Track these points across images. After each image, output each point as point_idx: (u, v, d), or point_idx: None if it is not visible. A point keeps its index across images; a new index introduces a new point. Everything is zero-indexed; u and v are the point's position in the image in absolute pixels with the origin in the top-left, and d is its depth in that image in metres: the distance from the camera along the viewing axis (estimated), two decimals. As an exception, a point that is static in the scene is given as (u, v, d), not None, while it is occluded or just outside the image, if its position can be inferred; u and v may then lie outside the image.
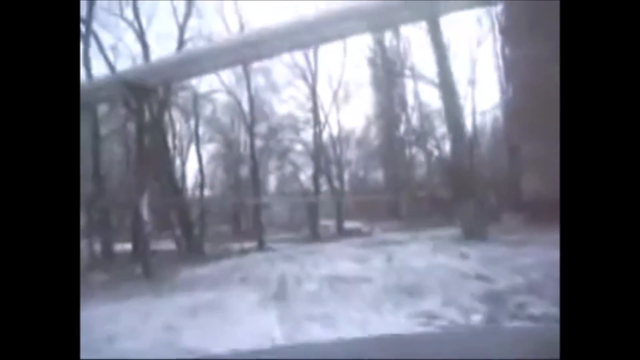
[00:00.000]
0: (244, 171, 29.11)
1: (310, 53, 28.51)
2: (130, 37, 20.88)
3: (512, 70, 21.93)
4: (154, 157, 17.83)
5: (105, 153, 24.18)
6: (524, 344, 1.86)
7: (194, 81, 23.76)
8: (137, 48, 20.42)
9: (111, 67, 18.71)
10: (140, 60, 19.37)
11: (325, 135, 30.12)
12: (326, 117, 29.98)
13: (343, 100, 31.47)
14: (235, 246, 21.86)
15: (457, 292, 7.26)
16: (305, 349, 2.22)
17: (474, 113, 29.70)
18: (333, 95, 30.45)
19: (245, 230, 27.75)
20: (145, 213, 11.42)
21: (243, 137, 29.28)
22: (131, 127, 19.22)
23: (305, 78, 29.14)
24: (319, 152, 29.26)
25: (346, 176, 32.70)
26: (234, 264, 14.45)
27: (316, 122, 29.28)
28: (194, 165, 26.26)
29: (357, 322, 6.09)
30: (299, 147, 30.53)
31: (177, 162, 25.39)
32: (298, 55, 28.40)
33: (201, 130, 27.30)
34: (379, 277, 9.71)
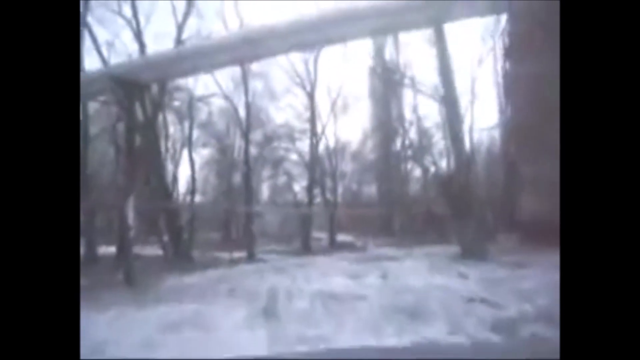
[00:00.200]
0: (237, 178, 28.56)
1: (310, 61, 28.29)
2: (127, 35, 20.46)
3: (512, 88, 21.52)
4: (144, 159, 17.25)
5: (96, 152, 23.63)
6: None
7: (190, 83, 23.36)
8: (134, 46, 19.95)
9: (105, 63, 18.21)
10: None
11: (321, 147, 29.77)
12: (323, 127, 29.69)
13: (341, 111, 31.18)
14: (225, 255, 21.23)
15: (463, 317, 6.71)
16: None
17: (471, 130, 29.31)
18: (331, 105, 30.20)
19: (236, 239, 27.13)
20: (130, 216, 10.81)
21: (238, 143, 28.79)
22: (123, 126, 18.64)
23: (303, 86, 28.80)
24: (314, 163, 28.78)
25: (339, 189, 32.13)
26: (222, 274, 13.80)
27: (313, 132, 28.88)
28: (186, 170, 25.69)
29: (355, 349, 5.55)
30: (294, 156, 30.03)
31: (169, 165, 24.78)
32: (298, 63, 28.20)
33: (195, 134, 26.79)
34: (374, 296, 9.11)
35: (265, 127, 28.84)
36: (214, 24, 22.71)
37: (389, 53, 32.86)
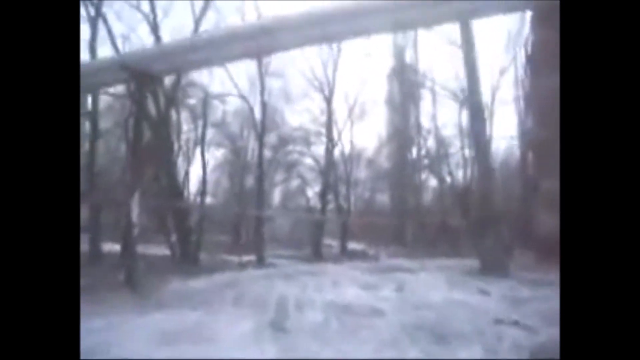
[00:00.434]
0: (249, 181, 28.00)
1: (329, 64, 27.83)
2: (144, 29, 19.92)
3: (534, 99, 20.75)
4: (154, 155, 16.69)
5: (108, 148, 23.19)
6: None
7: (205, 79, 22.78)
8: (149, 40, 19.41)
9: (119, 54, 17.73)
10: (151, 54, 18.44)
11: (336, 152, 29.18)
12: (339, 133, 29.15)
13: (358, 117, 30.62)
14: (233, 258, 20.65)
15: (495, 341, 6.02)
16: None
17: (489, 140, 28.58)
18: (349, 111, 29.67)
19: (245, 243, 26.55)
20: (135, 213, 10.19)
21: (252, 145, 28.23)
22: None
23: (322, 90, 28.29)
24: (329, 169, 28.19)
25: (352, 196, 31.47)
26: (229, 279, 13.16)
27: (329, 137, 28.34)
28: (198, 170, 25.15)
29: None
30: (308, 161, 29.46)
31: (181, 164, 24.22)
32: (316, 67, 27.75)
33: (209, 134, 26.28)
34: (392, 311, 8.44)
35: (280, 130, 28.29)
36: (232, 18, 21.94)
37: (409, 56, 32.36)
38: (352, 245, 29.04)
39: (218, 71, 22.18)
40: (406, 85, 32.49)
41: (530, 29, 22.18)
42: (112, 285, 9.93)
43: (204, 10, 20.02)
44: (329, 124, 28.32)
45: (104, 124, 21.24)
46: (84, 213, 16.08)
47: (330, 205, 29.23)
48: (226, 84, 23.61)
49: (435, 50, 37.02)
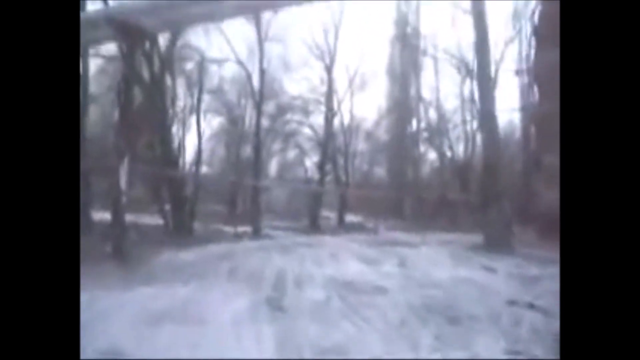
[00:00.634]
0: (246, 150, 27.30)
1: (331, 32, 27.01)
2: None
3: (539, 74, 20.07)
4: (146, 121, 15.95)
5: (100, 113, 22.37)
6: None
7: (202, 43, 21.87)
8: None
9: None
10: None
11: (335, 123, 28.49)
12: (339, 103, 28.45)
13: (359, 87, 29.88)
14: (229, 229, 20.13)
15: (513, 327, 5.48)
16: None
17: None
18: (349, 81, 28.93)
19: (241, 213, 26.01)
20: (123, 182, 9.56)
21: (249, 113, 27.48)
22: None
23: (322, 58, 27.49)
24: (328, 139, 27.53)
25: (350, 168, 30.87)
26: (224, 251, 12.63)
27: (329, 107, 27.63)
28: (194, 138, 24.44)
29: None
30: (307, 130, 28.74)
31: (177, 131, 23.47)
32: (317, 34, 26.91)
33: (205, 102, 25.51)
34: (397, 289, 7.90)
35: (278, 99, 27.51)
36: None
37: (412, 24, 31.49)
38: (350, 218, 28.68)
39: (215, 35, 21.38)
40: (408, 53, 31.68)
41: (537, 1, 21.45)
42: (99, 256, 9.33)
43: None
44: (329, 94, 27.62)
45: (96, 88, 20.46)
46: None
47: (328, 177, 28.70)
48: (224, 48, 22.74)
49: (439, 17, 36.07)
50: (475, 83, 24.45)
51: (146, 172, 17.05)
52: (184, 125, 25.04)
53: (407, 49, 31.62)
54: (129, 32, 8.85)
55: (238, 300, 6.43)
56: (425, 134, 32.60)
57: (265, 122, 25.87)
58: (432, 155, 32.96)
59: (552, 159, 16.16)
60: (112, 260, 9.42)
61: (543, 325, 5.54)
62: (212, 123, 28.43)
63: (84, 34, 10.89)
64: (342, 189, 28.42)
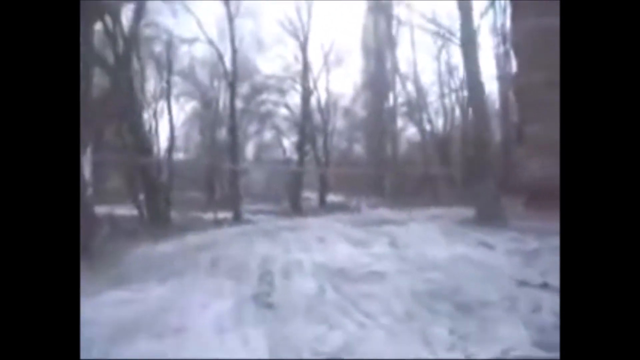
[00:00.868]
0: (222, 134, 26.38)
1: (304, 7, 26.07)
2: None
3: (518, 43, 19.46)
4: (112, 106, 14.92)
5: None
6: None
7: (169, 22, 20.76)
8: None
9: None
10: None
11: (312, 101, 27.67)
12: (315, 81, 27.61)
13: (334, 63, 29.07)
14: (208, 216, 19.30)
15: (533, 313, 4.85)
16: None
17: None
18: (324, 57, 28.07)
19: (220, 199, 25.18)
20: (87, 172, 8.74)
21: (222, 95, 26.52)
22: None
23: (296, 36, 26.56)
24: (305, 118, 26.74)
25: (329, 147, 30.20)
26: (204, 241, 11.81)
27: (304, 85, 26.78)
28: (166, 124, 23.46)
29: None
30: (283, 110, 27.95)
31: (146, 118, 22.41)
32: (290, 11, 25.96)
33: (176, 85, 24.49)
34: (394, 273, 7.26)
35: (252, 79, 26.63)
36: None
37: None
38: (331, 198, 28.16)
39: (182, 13, 20.31)
40: (383, 24, 30.88)
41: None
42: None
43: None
44: (304, 72, 26.75)
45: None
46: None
47: (307, 157, 27.99)
48: (192, 28, 21.65)
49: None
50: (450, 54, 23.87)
51: (117, 161, 16.10)
52: (156, 110, 24.09)
53: (382, 19, 30.76)
54: (85, 7, 7.94)
55: (220, 300, 5.70)
56: (403, 109, 32.04)
57: (239, 104, 24.97)
58: (411, 130, 32.49)
59: (533, 130, 15.82)
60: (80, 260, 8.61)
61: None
62: (185, 107, 27.55)
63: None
64: (322, 168, 27.75)
